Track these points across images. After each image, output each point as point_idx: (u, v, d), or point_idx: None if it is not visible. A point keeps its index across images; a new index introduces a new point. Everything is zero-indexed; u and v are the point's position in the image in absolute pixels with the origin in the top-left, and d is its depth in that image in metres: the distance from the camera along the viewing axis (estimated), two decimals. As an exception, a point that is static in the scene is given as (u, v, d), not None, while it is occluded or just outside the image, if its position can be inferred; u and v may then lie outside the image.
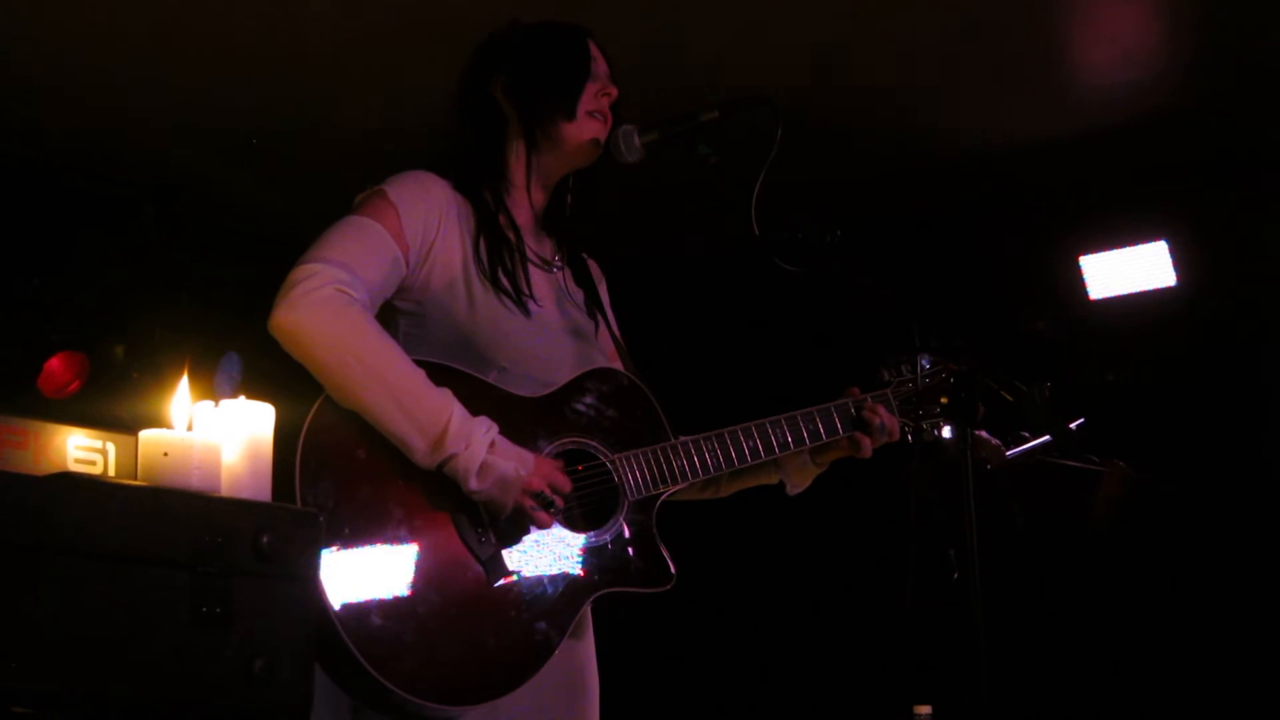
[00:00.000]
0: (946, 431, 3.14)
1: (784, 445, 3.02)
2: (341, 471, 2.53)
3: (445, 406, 2.56)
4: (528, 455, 2.65)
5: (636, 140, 2.98)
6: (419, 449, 2.54)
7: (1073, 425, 4.82)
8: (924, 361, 3.16)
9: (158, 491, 2.10)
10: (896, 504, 5.29)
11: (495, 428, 2.61)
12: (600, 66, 3.00)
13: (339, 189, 2.87)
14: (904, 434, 3.15)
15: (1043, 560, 5.34)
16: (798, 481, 3.18)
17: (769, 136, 2.88)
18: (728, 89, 3.09)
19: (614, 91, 3.00)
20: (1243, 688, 5.47)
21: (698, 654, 6.83)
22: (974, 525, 2.98)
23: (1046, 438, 4.51)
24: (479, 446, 2.56)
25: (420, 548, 2.55)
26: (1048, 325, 6.25)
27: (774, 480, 3.18)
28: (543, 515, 2.64)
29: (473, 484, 2.56)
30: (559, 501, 2.67)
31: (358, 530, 2.49)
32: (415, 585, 2.52)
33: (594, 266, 3.17)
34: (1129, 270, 6.11)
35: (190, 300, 6.23)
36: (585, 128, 2.95)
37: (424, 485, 2.58)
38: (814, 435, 3.05)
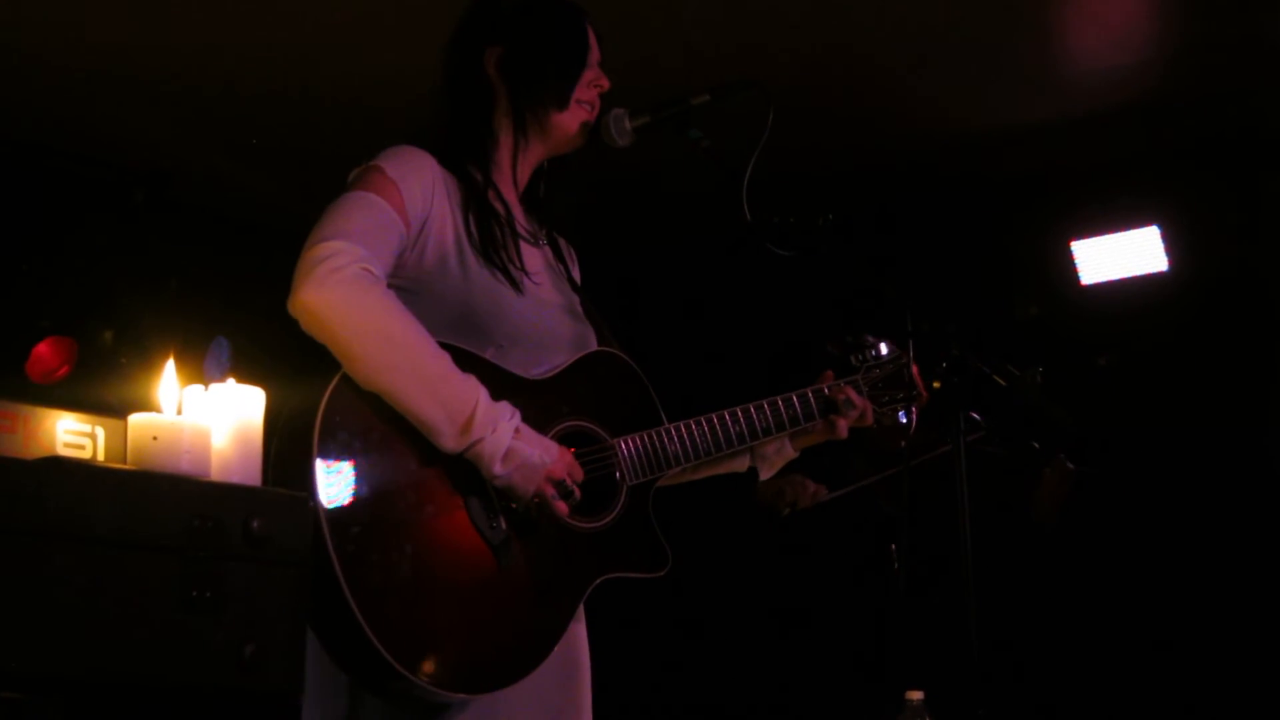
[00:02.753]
0: (901, 417, 3.18)
1: (767, 430, 3.04)
2: (357, 453, 2.50)
3: (472, 391, 2.55)
4: (551, 444, 2.66)
5: (627, 124, 2.98)
6: (445, 433, 2.53)
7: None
8: (884, 347, 3.21)
9: (147, 475, 2.10)
10: (885, 497, 5.33)
11: (518, 414, 2.61)
12: (595, 54, 2.97)
13: (329, 175, 2.86)
14: (876, 417, 3.18)
15: (1022, 549, 5.35)
16: (774, 463, 3.21)
17: (760, 121, 2.88)
18: (719, 77, 3.08)
19: (605, 84, 2.97)
20: (1232, 673, 5.49)
21: (689, 641, 6.84)
22: (968, 517, 2.99)
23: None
24: (505, 432, 2.56)
25: (434, 532, 2.55)
26: (1039, 310, 6.26)
27: (743, 468, 3.20)
28: (561, 504, 2.65)
29: (497, 469, 2.56)
30: (578, 493, 2.67)
31: (372, 513, 2.48)
32: (429, 570, 2.51)
33: (565, 245, 3.15)
34: (1121, 255, 6.11)
35: (179, 286, 6.22)
36: (573, 119, 2.93)
37: (438, 469, 2.57)
38: (794, 420, 3.08)
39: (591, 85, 2.95)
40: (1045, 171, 6.21)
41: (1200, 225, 5.96)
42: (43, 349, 5.80)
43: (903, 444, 4.71)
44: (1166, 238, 6.03)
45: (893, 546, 4.91)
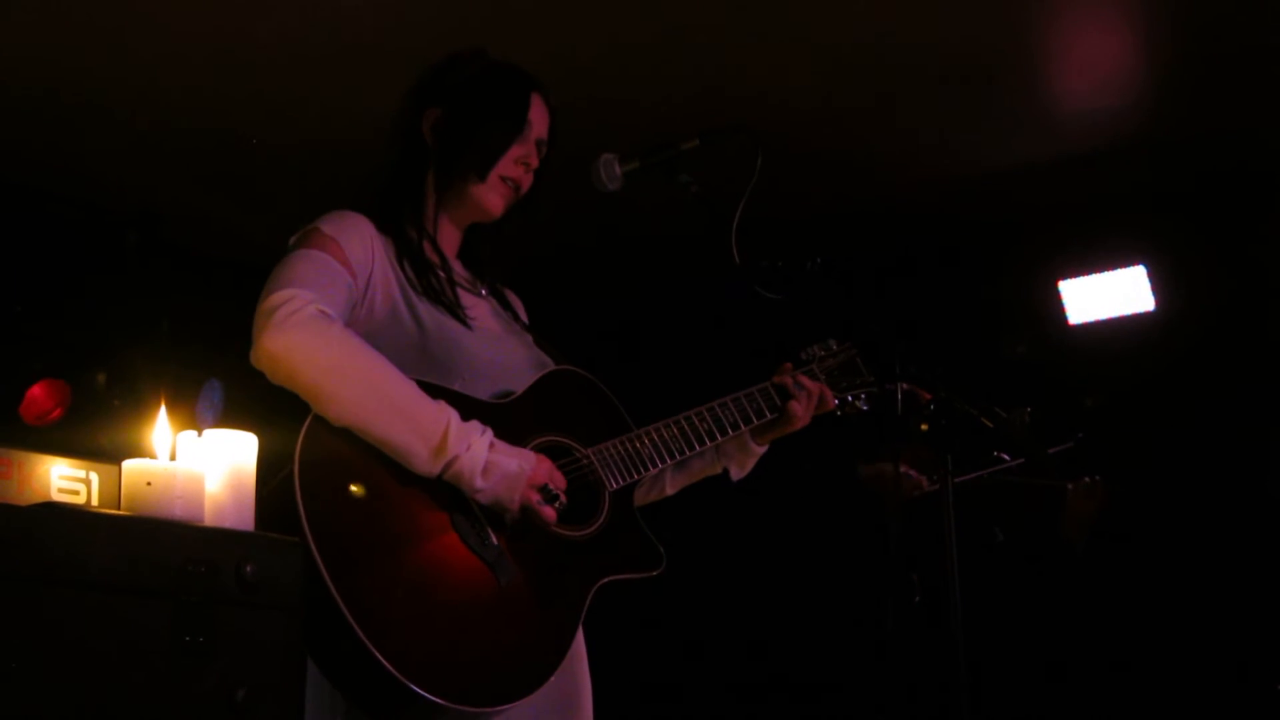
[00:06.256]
0: (862, 405, 3.24)
1: (734, 424, 3.08)
2: (342, 491, 2.51)
3: (442, 412, 2.57)
4: (528, 453, 2.68)
5: (617, 169, 3.00)
6: (421, 456, 2.55)
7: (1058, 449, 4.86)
8: (832, 342, 3.28)
9: (141, 521, 2.11)
10: (873, 530, 5.33)
11: (490, 430, 2.63)
12: (535, 129, 2.96)
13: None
14: (837, 407, 3.24)
15: (1023, 576, 5.35)
16: (742, 462, 3.24)
17: (749, 165, 2.90)
18: (709, 124, 3.10)
19: (534, 161, 2.96)
20: (1232, 704, 5.49)
21: (680, 681, 6.83)
22: (954, 547, 3.01)
23: (1001, 464, 4.56)
24: (480, 447, 2.58)
25: (429, 557, 2.55)
26: (1027, 350, 6.28)
27: (717, 470, 3.24)
28: (548, 510, 2.66)
29: (478, 483, 2.58)
30: (563, 498, 2.70)
31: (367, 548, 2.48)
32: (432, 595, 2.52)
33: (509, 293, 3.17)
34: (1108, 295, 6.14)
35: (172, 328, 6.22)
36: (490, 194, 2.93)
37: (420, 495, 2.58)
38: (758, 412, 3.11)
39: (519, 163, 2.94)
40: (1033, 212, 6.24)
41: (1187, 265, 5.99)
42: (36, 391, 5.80)
43: (916, 494, 4.77)
44: (1153, 277, 6.07)
45: (915, 577, 4.92)
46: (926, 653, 4.80)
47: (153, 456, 2.22)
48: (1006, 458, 5.03)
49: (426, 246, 2.93)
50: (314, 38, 4.96)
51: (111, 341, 6.10)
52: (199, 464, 2.26)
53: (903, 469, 5.07)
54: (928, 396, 3.18)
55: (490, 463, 2.59)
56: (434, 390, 2.65)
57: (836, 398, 3.23)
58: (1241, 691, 5.48)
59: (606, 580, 2.78)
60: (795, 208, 5.85)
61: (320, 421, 2.54)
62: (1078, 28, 5.03)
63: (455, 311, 2.85)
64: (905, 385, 3.16)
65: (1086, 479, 5.33)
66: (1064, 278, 6.21)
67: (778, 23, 4.88)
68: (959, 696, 2.96)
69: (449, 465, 2.56)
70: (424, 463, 2.56)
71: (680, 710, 6.81)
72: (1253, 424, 5.79)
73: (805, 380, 3.17)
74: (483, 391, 2.79)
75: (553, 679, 2.67)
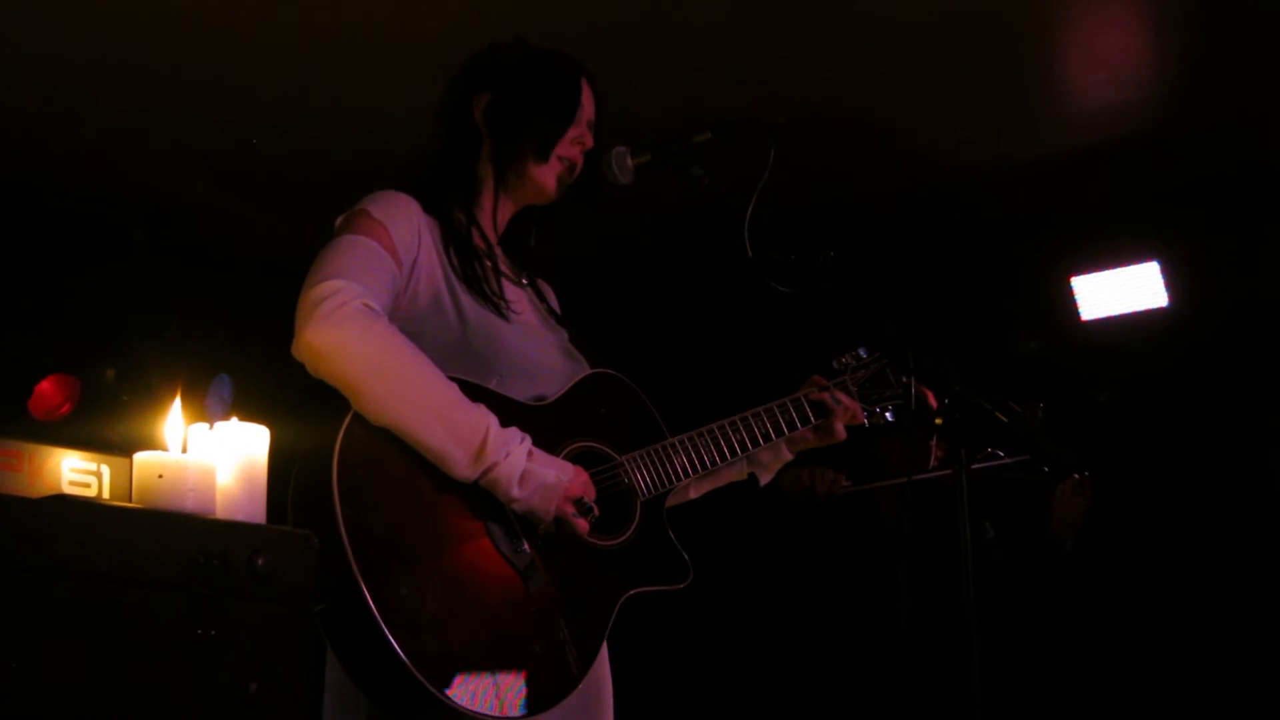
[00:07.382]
0: (888, 416, 3.26)
1: (766, 436, 3.10)
2: (378, 491, 2.51)
3: (482, 418, 2.57)
4: (565, 464, 2.68)
5: (629, 162, 3.00)
6: (460, 461, 2.54)
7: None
8: (862, 351, 3.30)
9: (152, 513, 2.10)
10: (886, 527, 5.31)
11: (529, 438, 2.63)
12: (586, 112, 2.98)
13: (331, 212, 2.87)
14: (866, 416, 3.28)
15: (1018, 573, 5.33)
16: (771, 468, 3.29)
17: (762, 158, 2.89)
18: (720, 117, 3.10)
19: (589, 142, 2.99)
20: (1241, 701, 5.48)
21: (687, 681, 6.82)
22: (969, 545, 2.99)
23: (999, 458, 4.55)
24: (519, 456, 2.58)
25: (460, 562, 2.55)
26: (1040, 346, 6.26)
27: (743, 476, 3.28)
28: (582, 522, 2.67)
29: (515, 492, 2.58)
30: (596, 510, 2.70)
31: (400, 549, 2.48)
32: (462, 601, 2.52)
33: (543, 284, 3.18)
34: (1121, 291, 6.12)
35: (180, 323, 6.22)
36: (549, 174, 2.94)
37: (456, 499, 2.59)
38: (790, 425, 3.14)
39: (574, 143, 2.96)
40: (1046, 208, 6.22)
41: (1200, 261, 5.98)
42: (45, 386, 5.80)
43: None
44: (1166, 273, 6.05)
45: (902, 571, 4.91)
46: (920, 645, 4.80)
47: (164, 449, 2.21)
48: (1001, 454, 5.01)
49: (474, 232, 2.93)
50: (323, 36, 4.95)
51: (120, 337, 6.10)
52: (210, 456, 2.25)
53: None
54: (933, 400, 3.17)
55: (528, 472, 2.59)
56: (472, 391, 2.64)
57: (865, 411, 3.25)
58: (1248, 693, 5.48)
59: (633, 593, 2.78)
60: (807, 201, 5.83)
61: (360, 419, 2.54)
62: (1091, 22, 5.00)
63: (496, 303, 2.84)
64: (915, 381, 3.16)
65: (1076, 475, 5.29)
66: (1077, 273, 6.19)
67: (784, 16, 4.86)
68: (970, 691, 2.95)
69: (487, 472, 2.56)
70: (462, 468, 2.55)
71: (683, 711, 6.80)
72: (1265, 420, 5.77)
73: (843, 397, 3.20)
74: (518, 389, 2.79)
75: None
